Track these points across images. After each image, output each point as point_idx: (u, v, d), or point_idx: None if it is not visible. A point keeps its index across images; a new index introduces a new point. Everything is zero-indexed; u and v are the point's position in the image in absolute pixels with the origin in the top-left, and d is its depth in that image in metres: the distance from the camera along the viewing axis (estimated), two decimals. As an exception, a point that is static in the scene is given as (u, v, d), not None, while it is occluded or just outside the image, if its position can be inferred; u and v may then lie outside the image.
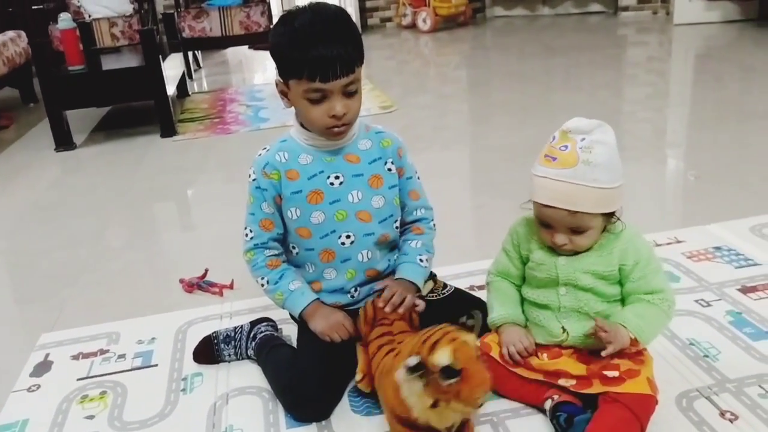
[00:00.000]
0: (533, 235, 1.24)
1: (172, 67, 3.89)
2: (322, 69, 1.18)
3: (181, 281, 1.81)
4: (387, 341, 1.18)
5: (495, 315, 1.26)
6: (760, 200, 2.04)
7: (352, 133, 1.31)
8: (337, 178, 1.29)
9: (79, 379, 1.44)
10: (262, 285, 1.34)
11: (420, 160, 1.44)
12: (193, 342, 1.48)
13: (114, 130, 3.65)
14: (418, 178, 1.39)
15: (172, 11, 4.59)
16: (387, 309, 1.24)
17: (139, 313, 1.69)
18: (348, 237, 1.30)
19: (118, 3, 4.22)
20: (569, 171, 1.11)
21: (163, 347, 1.52)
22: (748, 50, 4.26)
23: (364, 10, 6.33)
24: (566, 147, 1.13)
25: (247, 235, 1.34)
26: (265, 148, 1.33)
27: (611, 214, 1.17)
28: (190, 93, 4.34)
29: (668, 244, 1.79)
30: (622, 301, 1.20)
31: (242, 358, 1.43)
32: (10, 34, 3.98)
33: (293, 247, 1.34)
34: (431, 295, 1.38)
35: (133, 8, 4.26)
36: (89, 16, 4.15)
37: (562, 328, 1.19)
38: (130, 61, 3.67)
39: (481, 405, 1.02)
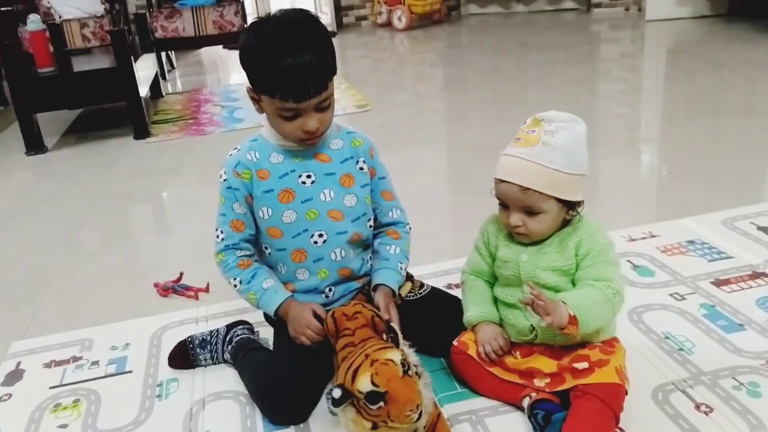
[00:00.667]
0: (500, 231, 1.24)
1: (144, 68, 3.85)
2: (295, 90, 1.16)
3: (156, 285, 1.78)
4: (348, 353, 1.12)
5: (470, 314, 1.26)
6: (732, 194, 2.07)
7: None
8: (309, 177, 1.28)
9: (51, 388, 1.41)
10: (235, 286, 1.32)
11: (396, 159, 1.44)
12: (168, 347, 1.46)
13: (86, 132, 3.60)
14: (390, 179, 1.39)
15: (144, 11, 4.53)
16: (385, 317, 1.22)
17: (114, 318, 1.67)
18: (320, 236, 1.29)
19: (89, 3, 4.15)
20: (528, 149, 1.14)
21: (137, 353, 1.50)
22: (719, 45, 4.31)
23: (339, 9, 6.30)
24: (534, 131, 1.15)
25: (218, 236, 1.32)
26: (236, 148, 1.31)
27: (572, 207, 1.17)
28: (163, 94, 4.29)
29: (643, 238, 1.80)
30: None
31: (218, 362, 1.41)
32: (-22, 36, 3.89)
33: (265, 248, 1.33)
34: (409, 295, 1.38)
35: (104, 9, 4.20)
36: (59, 17, 4.08)
37: (531, 326, 1.19)
38: (101, 62, 3.62)
39: (418, 419, 1.02)
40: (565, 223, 1.20)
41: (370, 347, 1.08)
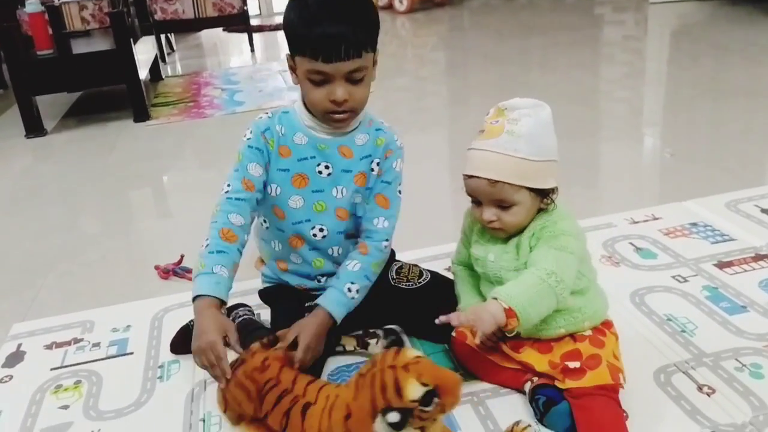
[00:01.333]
0: (475, 224, 1.22)
1: (144, 51, 3.82)
2: (324, 49, 1.13)
3: (157, 268, 1.78)
4: (290, 401, 1.05)
5: (462, 305, 1.25)
6: (735, 176, 2.06)
7: (355, 124, 1.27)
8: (326, 167, 1.26)
9: (52, 369, 1.41)
10: (204, 242, 1.19)
11: (397, 142, 1.42)
12: (169, 329, 1.46)
13: (86, 115, 3.58)
14: (400, 192, 1.32)
15: (143, -7, 4.50)
16: (279, 345, 1.16)
17: (115, 301, 1.66)
18: (321, 230, 1.28)
19: (88, -15, 4.13)
20: (492, 141, 1.10)
21: (138, 335, 1.50)
22: (722, 28, 4.28)
23: (339, -8, 6.25)
24: (497, 121, 1.12)
25: (223, 189, 1.24)
26: (267, 113, 1.28)
27: (545, 195, 1.13)
28: (163, 77, 4.27)
29: (645, 221, 1.79)
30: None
31: (220, 345, 1.40)
32: (-24, 18, 3.87)
33: (264, 221, 1.31)
34: (407, 284, 1.35)
35: (103, -9, 4.17)
36: (58, 0, 4.06)
37: None
38: (100, 44, 3.59)
39: None
40: (540, 211, 1.15)
41: (313, 383, 1.06)
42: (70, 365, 1.42)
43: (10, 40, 3.12)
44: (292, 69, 1.23)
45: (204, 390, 1.29)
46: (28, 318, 1.63)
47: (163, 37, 4.81)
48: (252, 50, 4.94)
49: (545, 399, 1.11)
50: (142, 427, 1.22)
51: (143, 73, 3.40)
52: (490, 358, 1.22)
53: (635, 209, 1.86)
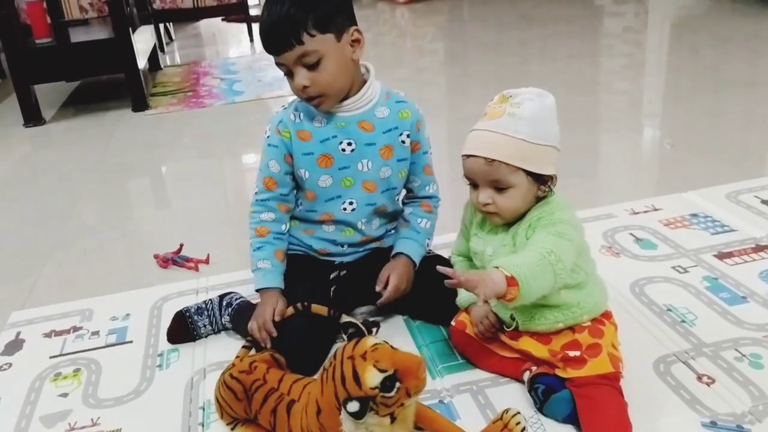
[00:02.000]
0: (474, 216, 1.21)
1: (142, 40, 3.80)
2: (266, 42, 1.20)
3: (156, 257, 1.78)
4: (277, 399, 1.06)
5: (461, 297, 1.25)
6: (735, 167, 2.06)
7: (367, 100, 1.30)
8: (349, 144, 1.29)
9: (51, 357, 1.41)
10: (250, 242, 1.36)
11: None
12: (168, 318, 1.45)
13: (84, 104, 3.57)
14: (431, 153, 1.39)
15: (141, -18, 4.47)
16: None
17: (114, 290, 1.66)
18: (350, 204, 1.32)
19: (86, -26, 4.10)
20: (493, 122, 1.10)
21: (137, 323, 1.50)
22: (723, 20, 4.27)
23: (338, -18, 6.22)
24: (500, 106, 1.11)
25: (255, 189, 1.37)
26: (283, 106, 1.34)
27: (543, 182, 1.12)
28: (162, 66, 4.25)
29: (645, 212, 1.79)
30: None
31: (217, 329, 1.41)
32: (-27, 6, 3.84)
33: (300, 204, 1.36)
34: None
35: (101, -21, 4.15)
36: (56, -12, 4.03)
37: (511, 316, 1.18)
38: (99, 33, 3.57)
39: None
40: (538, 201, 1.13)
41: (298, 381, 1.06)
42: (69, 353, 1.42)
43: (8, 28, 3.10)
44: None
45: (204, 378, 1.29)
46: (27, 306, 1.63)
47: (161, 26, 4.79)
48: (251, 40, 4.92)
49: (544, 387, 1.11)
50: (142, 415, 1.22)
51: (142, 63, 3.38)
52: (488, 347, 1.22)
53: (635, 200, 1.86)
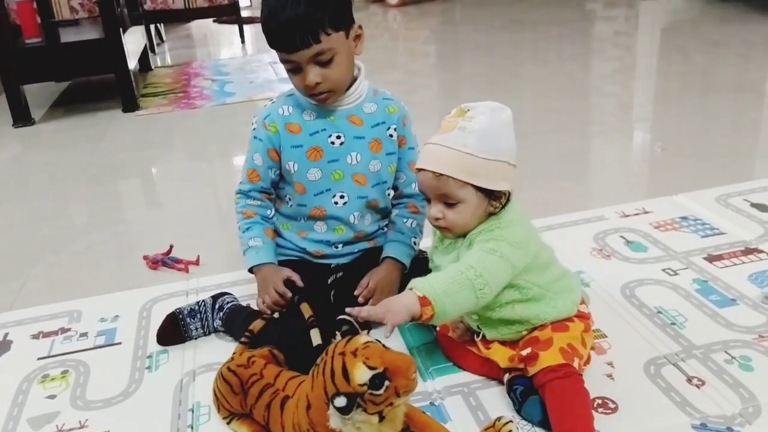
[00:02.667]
0: (435, 233, 1.20)
1: (133, 41, 3.79)
2: (281, 40, 1.19)
3: (145, 258, 1.76)
4: (272, 395, 1.07)
5: None
6: (725, 171, 2.07)
7: (357, 96, 1.31)
8: (338, 137, 1.30)
9: (39, 359, 1.40)
10: (238, 226, 1.39)
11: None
12: (158, 319, 1.44)
13: (74, 105, 3.55)
14: (418, 150, 1.37)
15: (132, -17, 4.45)
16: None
17: (103, 291, 1.65)
18: (342, 197, 1.33)
19: (76, -26, 4.08)
20: (443, 136, 1.10)
21: (126, 325, 1.48)
22: (712, 24, 4.29)
23: (330, -16, 6.22)
24: (454, 120, 1.11)
25: (240, 179, 1.40)
26: (271, 100, 1.36)
27: (494, 198, 1.10)
28: (152, 67, 4.23)
29: (636, 214, 1.80)
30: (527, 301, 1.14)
31: (209, 332, 1.40)
32: (-37, 6, 3.82)
33: (288, 199, 1.36)
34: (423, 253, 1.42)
35: (92, -20, 4.13)
36: (46, -12, 4.01)
37: (478, 326, 1.19)
38: (89, 33, 3.55)
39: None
40: (490, 216, 1.12)
41: (295, 378, 1.06)
42: (58, 355, 1.40)
43: (-3, 28, 3.09)
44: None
45: (193, 380, 1.28)
46: (15, 307, 1.62)
47: (152, 27, 4.77)
48: (242, 41, 4.90)
49: (523, 389, 1.11)
50: (130, 417, 1.21)
51: (132, 63, 3.37)
52: (471, 350, 1.23)
53: (626, 203, 1.86)
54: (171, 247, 1.78)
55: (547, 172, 2.20)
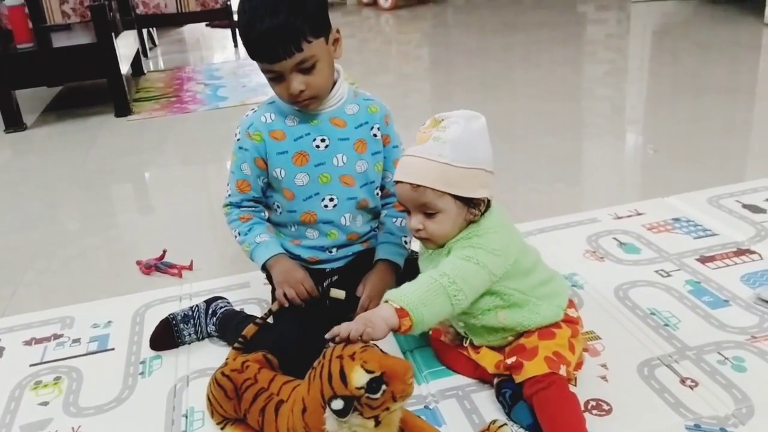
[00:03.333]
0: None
1: (125, 45, 3.78)
2: (263, 51, 1.18)
3: (138, 263, 1.76)
4: (266, 399, 1.06)
5: None
6: (717, 172, 2.08)
7: (338, 99, 1.31)
8: (323, 140, 1.30)
9: (32, 365, 1.39)
10: (235, 237, 1.36)
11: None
12: (151, 325, 1.43)
13: (66, 110, 3.54)
14: (403, 149, 1.37)
15: (124, -13, 4.44)
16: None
17: (95, 297, 1.64)
18: (331, 200, 1.32)
19: (68, -21, 4.06)
20: (419, 147, 1.10)
21: (119, 331, 1.48)
22: (703, 27, 4.31)
23: (323, -12, 6.22)
24: (429, 131, 1.11)
25: (227, 191, 1.37)
26: (252, 109, 1.35)
27: (473, 206, 1.11)
28: (145, 72, 4.23)
29: (629, 216, 1.80)
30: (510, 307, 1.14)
31: (202, 337, 1.40)
32: (-47, 11, 3.81)
33: (277, 207, 1.36)
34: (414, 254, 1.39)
35: (84, -16, 4.12)
36: (37, -7, 4.00)
37: (465, 331, 1.19)
38: (81, 38, 3.54)
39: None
40: (470, 224, 1.12)
41: (289, 382, 1.06)
42: (50, 361, 1.40)
43: (-12, 33, 3.08)
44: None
45: (186, 386, 1.28)
46: (7, 314, 1.61)
47: (145, 31, 4.76)
48: (235, 45, 4.90)
49: (512, 392, 1.11)
50: (124, 423, 1.21)
51: (125, 68, 3.36)
52: (463, 353, 1.23)
53: (619, 205, 1.87)
54: (164, 252, 1.77)
55: (539, 174, 2.20)
